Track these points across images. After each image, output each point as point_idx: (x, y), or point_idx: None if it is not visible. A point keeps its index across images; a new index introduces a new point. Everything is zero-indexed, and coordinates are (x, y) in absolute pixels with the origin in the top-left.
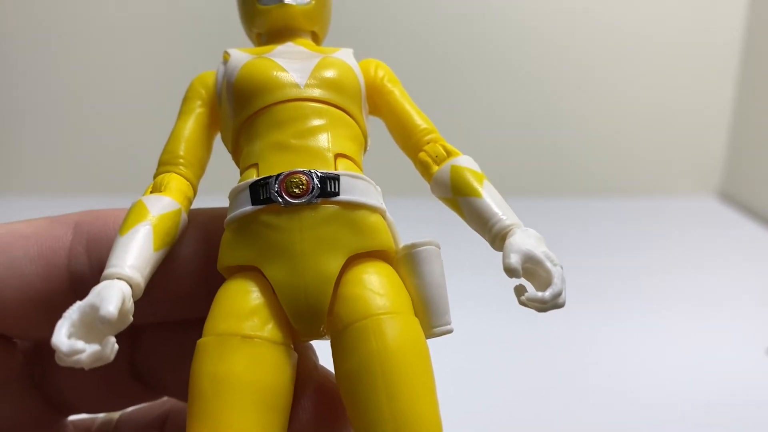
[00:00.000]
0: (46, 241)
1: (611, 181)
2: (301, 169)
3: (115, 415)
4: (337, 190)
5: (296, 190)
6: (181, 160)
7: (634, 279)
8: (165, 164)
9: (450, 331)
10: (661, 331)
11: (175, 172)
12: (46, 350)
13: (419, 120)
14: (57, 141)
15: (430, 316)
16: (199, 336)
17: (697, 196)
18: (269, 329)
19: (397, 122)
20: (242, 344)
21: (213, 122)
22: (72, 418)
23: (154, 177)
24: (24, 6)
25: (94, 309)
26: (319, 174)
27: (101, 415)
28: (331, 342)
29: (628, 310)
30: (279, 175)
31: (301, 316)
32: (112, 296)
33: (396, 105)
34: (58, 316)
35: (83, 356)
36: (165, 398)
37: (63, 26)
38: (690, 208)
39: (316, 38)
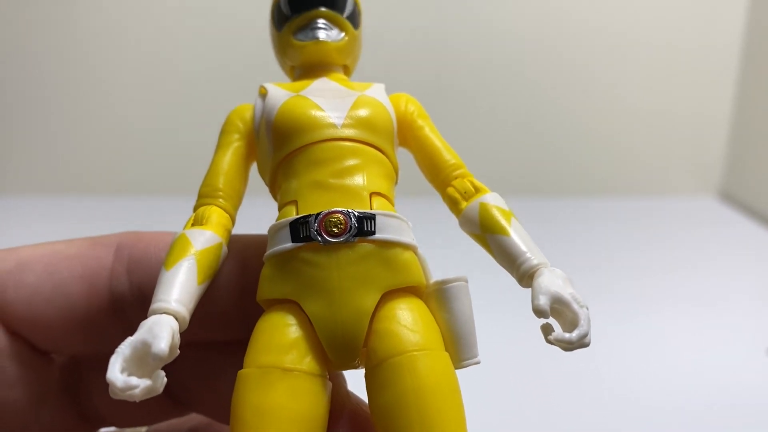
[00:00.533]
0: (89, 261)
1: (611, 181)
2: (340, 209)
3: (143, 429)
4: (373, 229)
5: (335, 230)
6: (221, 193)
7: (635, 279)
8: (205, 197)
9: (477, 363)
10: (661, 330)
11: (215, 205)
12: (82, 365)
13: (448, 156)
14: (57, 141)
15: (460, 350)
16: (230, 356)
17: (697, 196)
18: (308, 362)
19: (426, 157)
20: (283, 377)
21: (250, 154)
22: (102, 431)
23: (195, 209)
24: (25, 6)
25: (145, 345)
26: (356, 214)
27: (129, 429)
28: (365, 375)
29: (628, 310)
30: (318, 214)
31: (338, 349)
32: (163, 333)
33: (426, 140)
34: (99, 334)
35: (137, 391)
36: (192, 414)
37: (63, 26)
38: (690, 207)
39: (347, 70)
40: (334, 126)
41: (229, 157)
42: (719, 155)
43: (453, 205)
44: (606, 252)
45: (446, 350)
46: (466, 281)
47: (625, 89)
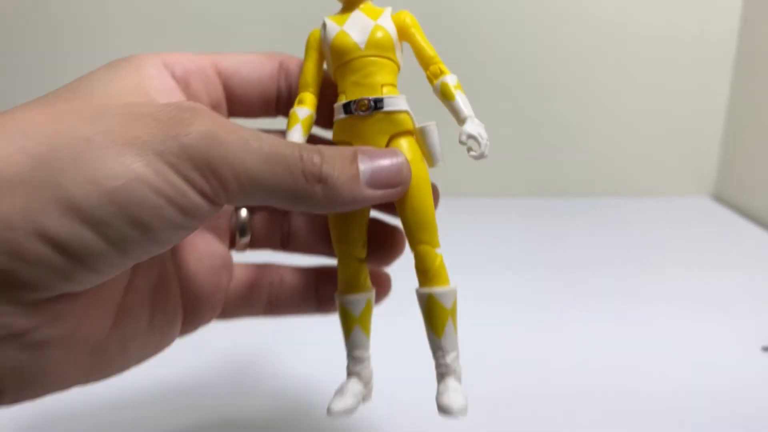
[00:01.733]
0: (268, 64)
1: (607, 181)
2: (366, 97)
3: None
4: (382, 107)
5: (363, 107)
6: (310, 87)
7: (630, 277)
8: (302, 87)
9: (440, 165)
10: (657, 329)
11: (308, 92)
12: None
13: (429, 51)
14: None
15: (431, 158)
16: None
17: (691, 196)
18: None
19: (416, 51)
20: None
21: (323, 57)
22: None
23: (298, 94)
24: (28, 5)
25: None
26: (373, 99)
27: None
28: None
29: (624, 309)
30: (356, 100)
31: None
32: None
33: (414, 42)
34: (266, 108)
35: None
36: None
37: (65, 23)
38: (685, 208)
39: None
40: (360, 49)
41: (312, 63)
42: (713, 157)
43: (430, 82)
44: (602, 251)
45: (423, 157)
46: (435, 123)
47: (621, 91)
